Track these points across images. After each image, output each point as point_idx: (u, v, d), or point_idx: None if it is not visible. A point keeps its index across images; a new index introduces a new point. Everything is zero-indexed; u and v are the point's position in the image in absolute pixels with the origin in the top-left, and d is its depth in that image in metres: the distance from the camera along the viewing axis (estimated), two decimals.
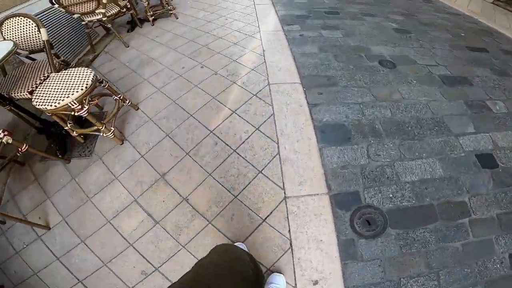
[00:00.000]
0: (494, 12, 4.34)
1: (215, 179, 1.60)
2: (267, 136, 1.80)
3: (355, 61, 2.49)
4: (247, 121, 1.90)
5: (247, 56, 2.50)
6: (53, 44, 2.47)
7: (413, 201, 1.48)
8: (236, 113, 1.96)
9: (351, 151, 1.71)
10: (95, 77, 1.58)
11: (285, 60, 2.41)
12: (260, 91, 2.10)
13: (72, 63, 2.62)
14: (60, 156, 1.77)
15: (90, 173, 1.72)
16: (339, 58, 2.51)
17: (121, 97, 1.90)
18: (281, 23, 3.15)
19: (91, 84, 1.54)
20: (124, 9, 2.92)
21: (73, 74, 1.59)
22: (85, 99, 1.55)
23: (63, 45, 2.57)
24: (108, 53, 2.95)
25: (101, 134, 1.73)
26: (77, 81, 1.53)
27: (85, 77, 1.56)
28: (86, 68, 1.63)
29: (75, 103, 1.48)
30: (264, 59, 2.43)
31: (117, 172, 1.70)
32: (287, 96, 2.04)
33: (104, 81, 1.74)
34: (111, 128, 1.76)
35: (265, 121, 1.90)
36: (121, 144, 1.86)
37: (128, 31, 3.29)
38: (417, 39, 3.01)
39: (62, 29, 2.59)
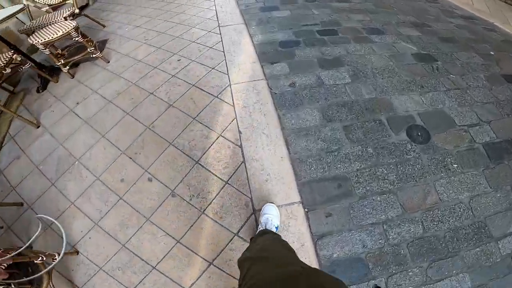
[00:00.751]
0: (500, 9, 3.68)
1: None
2: None
3: (375, 136, 1.72)
4: (230, 275, 1.25)
5: (215, 152, 1.65)
6: None
7: None
8: (214, 265, 1.28)
9: None
10: None
11: (275, 154, 1.60)
12: (242, 227, 1.36)
13: None
14: None
15: None
16: (352, 132, 1.73)
17: (44, 259, 1.15)
18: (260, 60, 2.22)
19: None
20: (10, 69, 1.86)
21: None
22: None
23: None
24: (14, 138, 1.99)
25: None
26: None
27: None
28: None
29: None
30: (243, 156, 1.60)
31: None
32: (283, 231, 1.32)
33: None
34: None
35: None
36: None
37: (38, 91, 2.25)
38: (446, 70, 2.23)
39: None
